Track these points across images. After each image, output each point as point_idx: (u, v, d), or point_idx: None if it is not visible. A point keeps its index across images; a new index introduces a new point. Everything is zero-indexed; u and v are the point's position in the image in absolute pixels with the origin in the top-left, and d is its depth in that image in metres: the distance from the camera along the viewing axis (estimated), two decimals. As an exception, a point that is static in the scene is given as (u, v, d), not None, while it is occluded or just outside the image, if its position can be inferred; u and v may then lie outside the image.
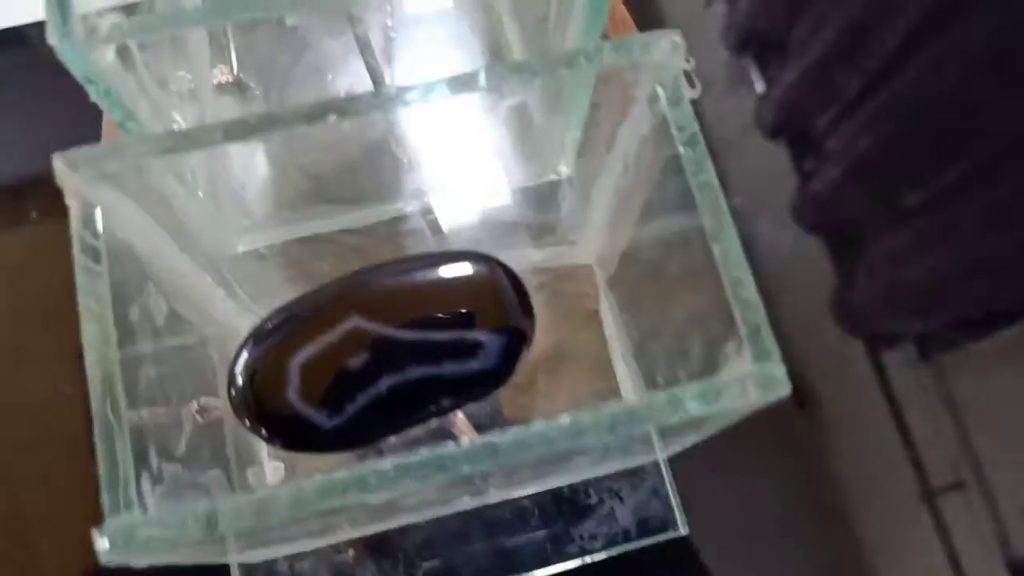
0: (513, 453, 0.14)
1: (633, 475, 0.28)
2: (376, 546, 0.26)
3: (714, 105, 0.37)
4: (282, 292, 0.27)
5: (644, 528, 0.26)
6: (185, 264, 0.21)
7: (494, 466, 0.14)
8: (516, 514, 0.26)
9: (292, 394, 0.17)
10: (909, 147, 0.36)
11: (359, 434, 0.17)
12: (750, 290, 0.16)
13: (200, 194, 0.23)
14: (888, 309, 0.34)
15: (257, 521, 0.15)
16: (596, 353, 0.27)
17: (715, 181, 0.16)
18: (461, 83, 0.16)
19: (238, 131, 0.16)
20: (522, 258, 0.27)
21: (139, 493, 0.15)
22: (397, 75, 0.28)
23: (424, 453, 0.14)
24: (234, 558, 0.24)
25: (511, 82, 0.17)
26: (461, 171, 0.28)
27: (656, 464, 0.27)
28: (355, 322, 0.17)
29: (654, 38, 0.17)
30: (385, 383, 0.17)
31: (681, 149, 0.17)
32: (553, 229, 0.27)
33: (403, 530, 0.26)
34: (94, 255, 0.16)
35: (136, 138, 0.18)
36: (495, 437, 0.14)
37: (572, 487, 0.27)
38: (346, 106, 0.16)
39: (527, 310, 0.18)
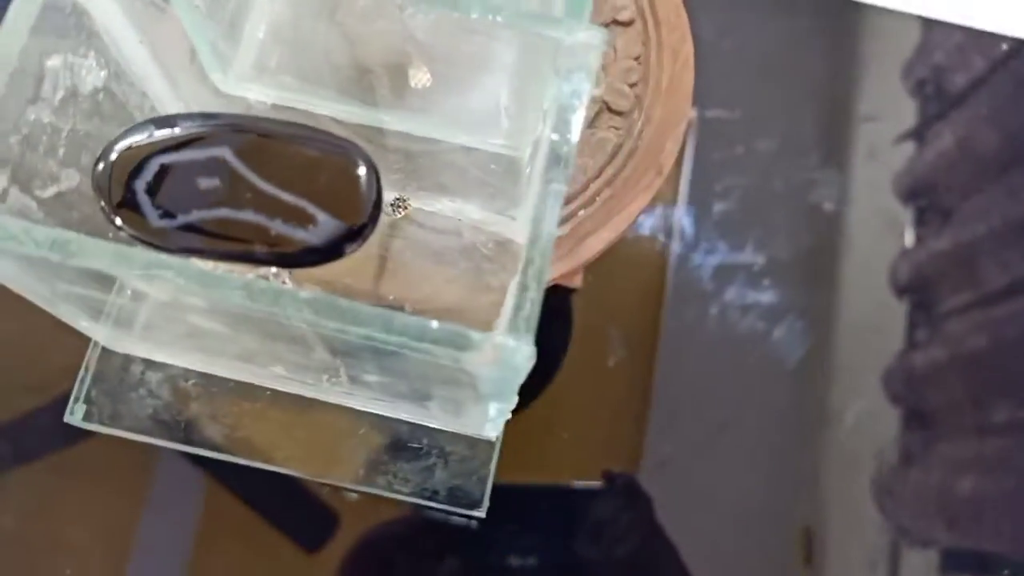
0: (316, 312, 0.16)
1: (471, 447, 0.28)
2: (218, 396, 0.28)
3: (860, 245, 0.37)
4: None
5: (452, 496, 0.27)
6: (152, 63, 0.23)
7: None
8: (350, 421, 0.27)
9: (141, 184, 0.19)
10: (1022, 365, 0.34)
11: (180, 243, 0.19)
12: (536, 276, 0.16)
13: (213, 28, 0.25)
14: (928, 509, 0.33)
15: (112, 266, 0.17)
16: (483, 322, 0.27)
17: (561, 191, 0.17)
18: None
19: None
20: (464, 209, 0.28)
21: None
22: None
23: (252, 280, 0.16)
24: (95, 331, 0.26)
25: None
26: (461, 122, 0.29)
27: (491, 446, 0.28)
28: (224, 153, 0.19)
29: (576, 27, 0.18)
30: (222, 212, 0.19)
31: (551, 136, 0.17)
32: (501, 197, 0.28)
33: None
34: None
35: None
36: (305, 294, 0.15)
37: (411, 429, 0.28)
38: None
39: (372, 218, 0.19)
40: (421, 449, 0.27)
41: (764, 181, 0.38)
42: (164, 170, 0.19)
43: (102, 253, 0.17)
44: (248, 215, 0.19)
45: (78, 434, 0.28)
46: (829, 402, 0.34)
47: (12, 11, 0.18)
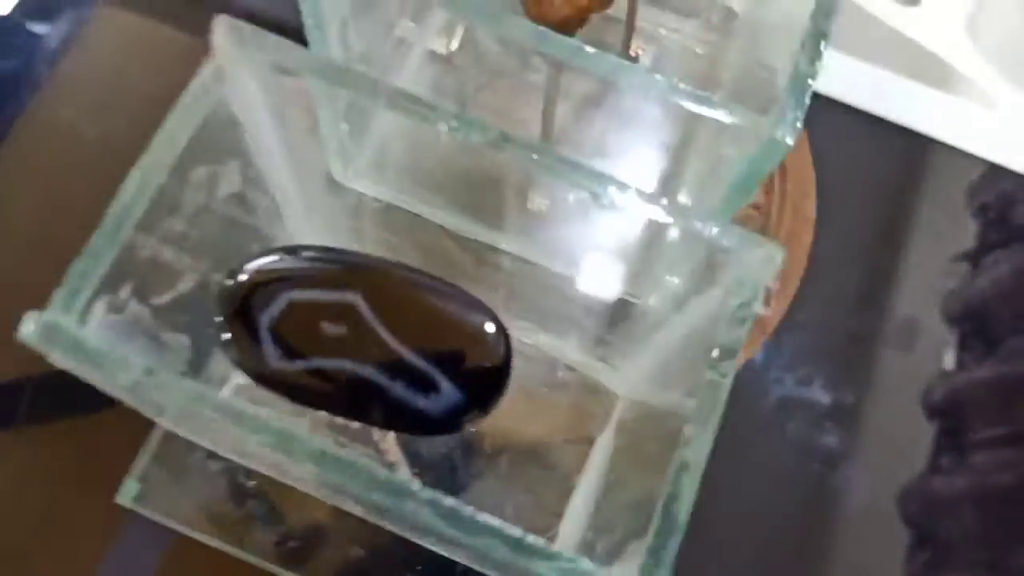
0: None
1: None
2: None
3: (906, 357, 0.35)
4: (347, 239, 0.28)
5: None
6: (283, 167, 0.22)
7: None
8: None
9: (265, 318, 0.18)
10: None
11: (292, 391, 0.18)
12: (682, 508, 0.15)
13: (342, 125, 0.24)
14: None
15: (181, 408, 0.16)
16: (564, 475, 0.26)
17: (718, 416, 0.16)
18: (593, 185, 0.17)
19: (404, 105, 0.17)
20: (564, 347, 0.27)
21: (88, 307, 0.16)
22: (562, 139, 0.29)
23: (338, 454, 0.15)
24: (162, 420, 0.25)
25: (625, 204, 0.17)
26: (576, 256, 0.28)
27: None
28: (355, 299, 0.18)
29: (755, 243, 0.17)
30: (344, 364, 0.18)
31: (712, 360, 0.16)
32: (607, 343, 0.27)
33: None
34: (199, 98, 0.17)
35: (311, 56, 0.20)
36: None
37: None
38: (504, 144, 0.17)
39: (498, 391, 0.18)
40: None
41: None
42: (291, 307, 0.18)
43: (182, 394, 0.16)
44: (369, 371, 0.18)
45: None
46: (841, 505, 0.33)
47: (170, 123, 0.17)
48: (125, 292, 0.17)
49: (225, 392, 0.26)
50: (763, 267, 0.17)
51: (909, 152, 0.39)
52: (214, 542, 0.26)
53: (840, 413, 0.35)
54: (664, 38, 0.31)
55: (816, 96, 0.40)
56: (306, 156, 0.24)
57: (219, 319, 0.18)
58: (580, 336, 0.27)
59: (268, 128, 0.20)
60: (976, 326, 0.36)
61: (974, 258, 0.38)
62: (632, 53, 0.31)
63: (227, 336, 0.18)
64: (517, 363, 0.28)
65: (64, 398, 0.30)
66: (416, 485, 0.15)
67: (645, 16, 0.31)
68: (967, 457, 0.34)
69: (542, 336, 0.27)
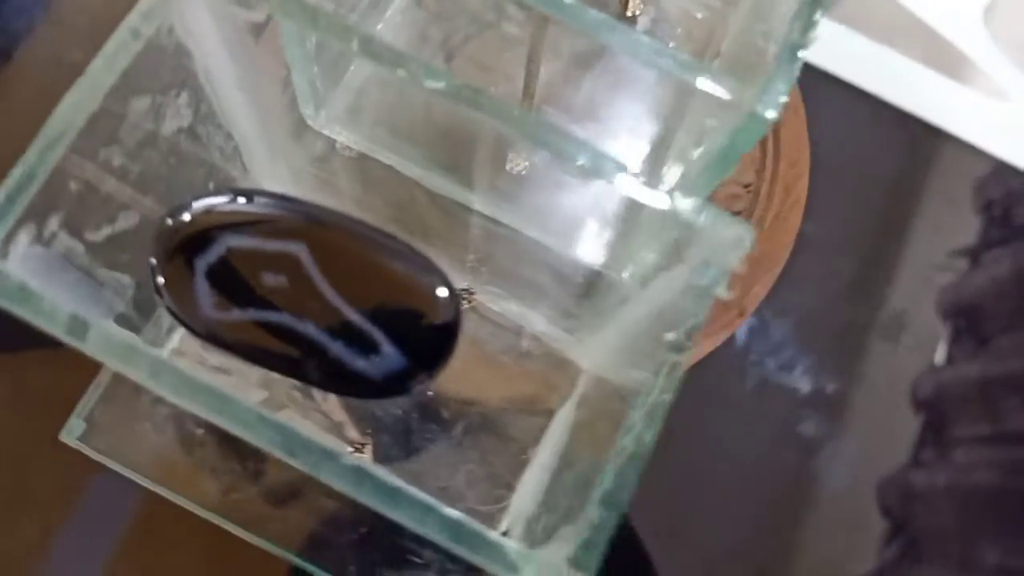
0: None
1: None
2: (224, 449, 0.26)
3: (893, 349, 0.34)
4: (312, 188, 0.27)
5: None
6: (243, 106, 0.21)
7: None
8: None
9: (202, 263, 0.17)
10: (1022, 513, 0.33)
11: (225, 342, 0.17)
12: (618, 497, 0.14)
13: (314, 68, 0.23)
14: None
15: (116, 363, 0.15)
16: (521, 446, 0.25)
17: (665, 404, 0.15)
18: (567, 151, 0.16)
19: (379, 53, 0.16)
20: (532, 316, 0.26)
21: (11, 237, 0.15)
22: (547, 100, 0.28)
23: (266, 415, 0.14)
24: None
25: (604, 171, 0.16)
26: (552, 223, 0.27)
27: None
28: (299, 251, 0.17)
29: (726, 221, 0.15)
30: (280, 318, 0.17)
31: (670, 338, 0.15)
32: (575, 316, 0.26)
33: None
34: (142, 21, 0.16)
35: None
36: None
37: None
38: (482, 103, 0.16)
39: (444, 357, 0.17)
40: (420, 561, 0.25)
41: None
42: (230, 253, 0.17)
43: (111, 350, 0.15)
44: (309, 328, 0.17)
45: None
46: (817, 493, 0.33)
47: (108, 49, 0.16)
48: (54, 223, 0.16)
49: (175, 340, 0.25)
50: (731, 249, 0.16)
51: (915, 141, 0.37)
52: (159, 489, 0.26)
53: (823, 401, 0.34)
54: (665, 0, 0.29)
55: (821, 74, 0.39)
56: (270, 96, 0.23)
57: (153, 261, 0.17)
58: (549, 306, 0.26)
59: (223, 62, 0.19)
60: (969, 322, 0.36)
61: (974, 254, 0.37)
62: (629, 13, 0.29)
63: (161, 280, 0.17)
64: (482, 330, 0.27)
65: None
66: (340, 450, 0.14)
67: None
68: (949, 452, 0.34)
69: (511, 304, 0.26)
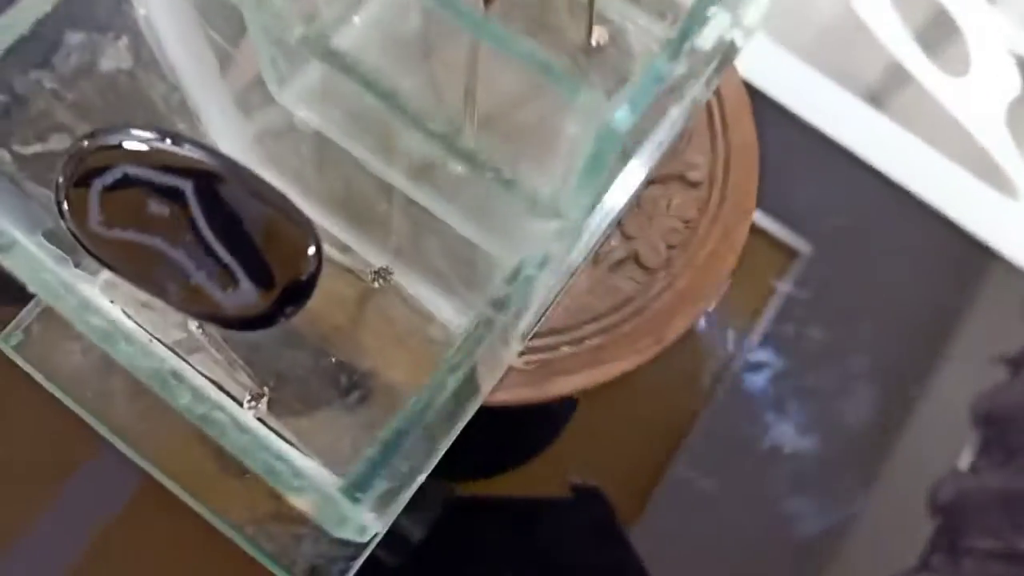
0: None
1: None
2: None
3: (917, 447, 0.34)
4: (257, 158, 0.29)
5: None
6: (188, 62, 0.23)
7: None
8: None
9: (98, 183, 0.19)
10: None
11: (104, 253, 0.19)
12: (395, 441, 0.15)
13: (274, 48, 0.25)
14: None
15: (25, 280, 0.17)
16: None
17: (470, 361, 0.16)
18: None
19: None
20: (442, 306, 0.27)
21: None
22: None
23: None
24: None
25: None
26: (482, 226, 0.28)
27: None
28: (186, 186, 0.19)
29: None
30: (156, 242, 0.19)
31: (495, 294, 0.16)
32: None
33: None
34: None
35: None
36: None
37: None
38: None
39: (287, 310, 0.19)
40: (295, 516, 0.27)
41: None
42: (126, 179, 0.19)
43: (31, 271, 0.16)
44: (179, 255, 0.18)
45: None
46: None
47: (46, -17, 0.18)
48: (-22, 129, 0.19)
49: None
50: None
51: (965, 256, 0.38)
52: (79, 410, 0.28)
53: (837, 492, 0.34)
54: (630, 33, 0.31)
55: (844, 153, 0.39)
56: (213, 63, 0.25)
57: (60, 179, 0.19)
58: (458, 301, 0.27)
59: (164, 16, 0.21)
60: (1000, 432, 0.36)
61: (1016, 364, 0.37)
62: (593, 43, 0.31)
63: (63, 197, 0.19)
64: (395, 310, 0.28)
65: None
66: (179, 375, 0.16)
67: (616, 9, 0.31)
68: (960, 560, 0.34)
69: (425, 290, 0.28)
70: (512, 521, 0.33)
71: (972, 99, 0.39)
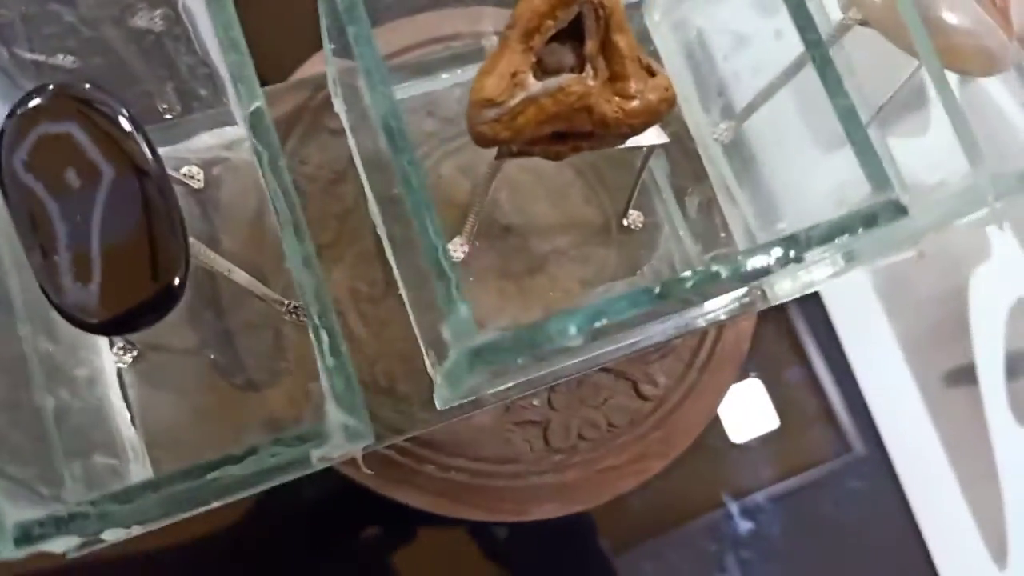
0: None
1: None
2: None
3: None
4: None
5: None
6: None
7: None
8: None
9: (43, 128, 0.19)
10: None
11: (9, 191, 0.19)
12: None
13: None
14: None
15: None
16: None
17: None
18: None
19: None
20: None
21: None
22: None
23: None
24: None
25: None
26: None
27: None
28: (107, 171, 0.19)
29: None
30: (52, 207, 0.19)
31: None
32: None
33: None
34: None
35: None
36: None
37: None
38: None
39: (123, 331, 0.19)
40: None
41: None
42: (67, 137, 0.19)
43: None
44: (61, 229, 0.19)
45: None
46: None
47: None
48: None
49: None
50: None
51: None
52: None
53: None
54: (663, 234, 0.30)
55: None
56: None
57: (18, 104, 0.20)
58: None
59: (203, 13, 0.21)
60: None
61: None
62: (626, 223, 0.30)
63: (9, 121, 0.20)
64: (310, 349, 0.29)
65: None
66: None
67: (664, 210, 0.30)
68: None
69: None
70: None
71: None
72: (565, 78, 0.21)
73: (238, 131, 0.28)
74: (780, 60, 0.26)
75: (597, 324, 0.18)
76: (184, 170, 0.28)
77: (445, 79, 0.31)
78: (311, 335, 0.19)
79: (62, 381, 0.23)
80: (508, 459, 0.31)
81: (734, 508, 0.36)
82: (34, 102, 0.20)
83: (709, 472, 0.36)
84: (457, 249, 0.29)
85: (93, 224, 0.19)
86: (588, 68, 0.21)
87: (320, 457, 0.18)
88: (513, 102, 0.21)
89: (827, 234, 0.20)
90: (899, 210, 0.19)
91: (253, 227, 0.29)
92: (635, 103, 0.21)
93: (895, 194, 0.19)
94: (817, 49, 0.21)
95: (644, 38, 0.32)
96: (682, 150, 0.31)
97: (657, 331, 0.29)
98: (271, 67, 0.31)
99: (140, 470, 0.26)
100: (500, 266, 0.30)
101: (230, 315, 0.28)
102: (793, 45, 0.22)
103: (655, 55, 0.31)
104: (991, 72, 0.24)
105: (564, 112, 0.21)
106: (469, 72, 0.32)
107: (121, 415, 0.26)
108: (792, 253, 0.19)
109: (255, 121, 0.19)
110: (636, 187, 0.29)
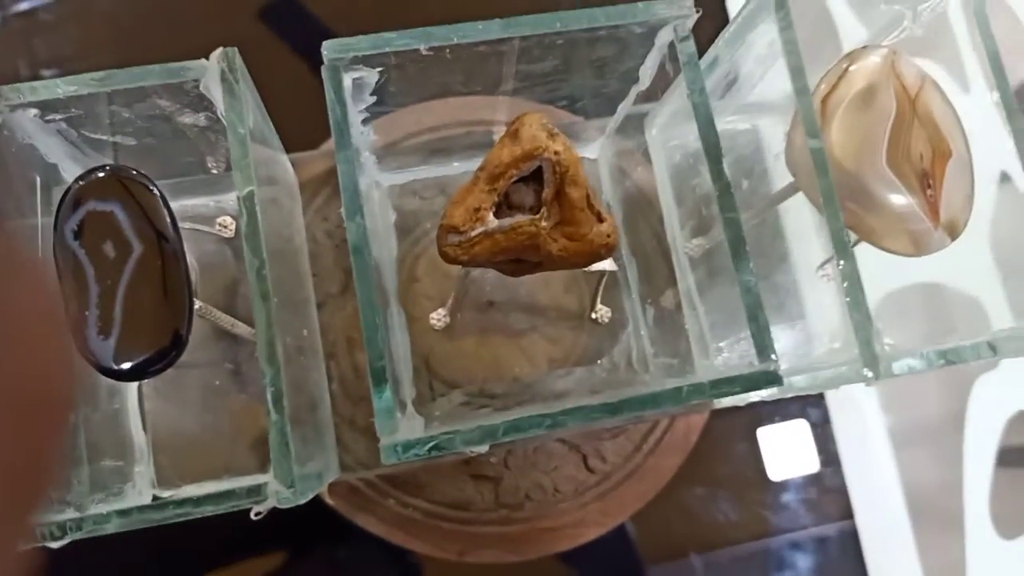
0: None
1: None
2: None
3: None
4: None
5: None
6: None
7: None
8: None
9: (91, 204, 0.24)
10: None
11: (57, 253, 0.24)
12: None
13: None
14: None
15: None
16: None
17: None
18: None
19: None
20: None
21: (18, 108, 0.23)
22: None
23: None
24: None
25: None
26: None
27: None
28: (137, 248, 0.24)
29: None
30: (90, 272, 0.24)
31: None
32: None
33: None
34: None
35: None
36: None
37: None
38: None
39: (132, 379, 0.24)
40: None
41: None
42: (111, 216, 0.24)
43: None
44: (95, 291, 0.24)
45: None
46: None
47: (152, 68, 0.23)
48: (63, 112, 0.25)
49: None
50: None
51: None
52: None
53: None
54: (627, 331, 0.33)
55: None
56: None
57: (75, 181, 0.25)
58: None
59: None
60: None
61: None
62: (594, 316, 0.34)
63: (67, 194, 0.25)
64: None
65: None
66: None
67: (632, 310, 0.34)
68: None
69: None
70: None
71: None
72: (519, 219, 0.25)
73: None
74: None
75: (504, 439, 0.22)
76: (220, 219, 0.33)
77: (456, 166, 0.35)
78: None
79: (86, 399, 0.28)
80: (460, 505, 0.35)
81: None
82: (88, 180, 0.25)
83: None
84: (440, 319, 0.33)
85: (119, 290, 0.24)
86: (544, 210, 0.25)
87: (258, 512, 0.22)
88: (473, 233, 0.25)
89: (716, 390, 0.23)
90: (774, 380, 0.22)
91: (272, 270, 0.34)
92: (578, 244, 0.25)
93: (775, 365, 0.23)
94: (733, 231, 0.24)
95: (643, 151, 0.35)
96: (662, 254, 0.34)
97: (610, 421, 0.32)
98: (305, 137, 0.35)
99: (144, 471, 0.31)
100: (479, 336, 0.34)
101: (240, 347, 0.33)
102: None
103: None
104: (917, 254, 0.27)
105: (515, 246, 0.25)
106: (476, 161, 0.36)
107: (135, 420, 0.31)
108: (696, 398, 0.23)
109: (248, 202, 0.24)
110: (597, 296, 0.32)
